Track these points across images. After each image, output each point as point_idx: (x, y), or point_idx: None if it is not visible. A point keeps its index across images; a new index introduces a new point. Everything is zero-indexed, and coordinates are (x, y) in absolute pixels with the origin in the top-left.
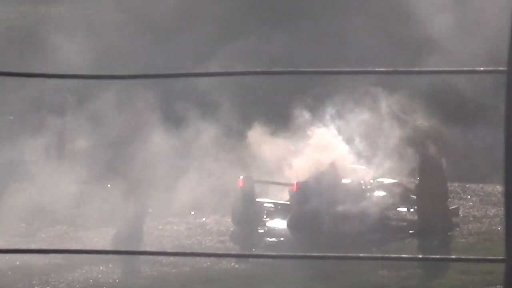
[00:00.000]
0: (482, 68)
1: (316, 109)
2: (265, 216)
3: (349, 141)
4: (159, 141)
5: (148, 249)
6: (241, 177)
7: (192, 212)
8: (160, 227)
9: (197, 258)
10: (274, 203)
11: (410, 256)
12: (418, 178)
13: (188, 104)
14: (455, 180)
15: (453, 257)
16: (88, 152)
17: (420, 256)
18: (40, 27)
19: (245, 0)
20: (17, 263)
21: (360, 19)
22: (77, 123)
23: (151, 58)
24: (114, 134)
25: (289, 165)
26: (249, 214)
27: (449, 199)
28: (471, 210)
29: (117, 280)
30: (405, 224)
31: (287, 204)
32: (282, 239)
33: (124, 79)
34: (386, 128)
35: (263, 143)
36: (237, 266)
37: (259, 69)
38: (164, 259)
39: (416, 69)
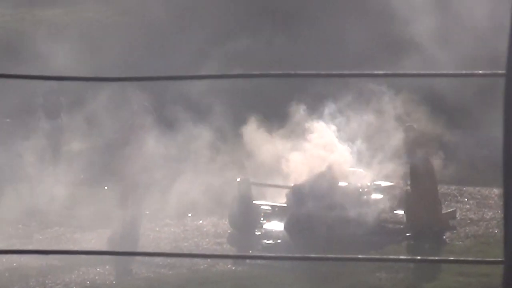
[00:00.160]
0: (481, 71)
1: (315, 108)
2: (262, 219)
3: (347, 141)
4: (155, 143)
5: (145, 251)
6: (238, 179)
7: (189, 214)
8: (157, 229)
9: (194, 260)
10: (271, 205)
11: (409, 257)
12: (408, 182)
13: (184, 106)
14: (452, 183)
15: (452, 258)
16: (85, 154)
17: (419, 257)
18: (35, 30)
19: (242, 2)
20: (14, 264)
21: (355, 21)
22: (74, 125)
23: (148, 61)
24: (110, 136)
25: (287, 166)
26: (246, 216)
27: (441, 203)
28: (468, 213)
29: (114, 282)
30: (402, 227)
31: (284, 206)
32: (279, 241)
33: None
34: (385, 130)
35: (261, 143)
36: (234, 268)
37: (257, 72)
38: (161, 260)
39: (414, 72)
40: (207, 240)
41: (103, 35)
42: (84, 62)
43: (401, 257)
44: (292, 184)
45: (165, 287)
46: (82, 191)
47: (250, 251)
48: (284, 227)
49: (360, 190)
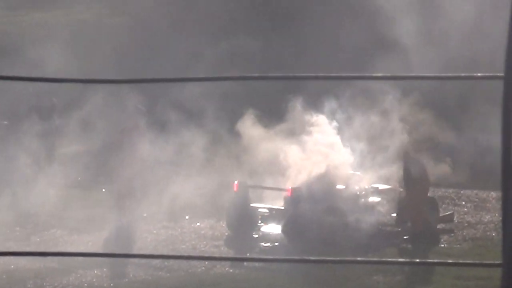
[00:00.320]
0: (479, 74)
1: (313, 106)
2: (259, 221)
3: (346, 143)
4: (151, 146)
5: (142, 253)
6: (236, 182)
7: (187, 217)
8: (155, 231)
9: (192, 263)
10: (268, 208)
11: (407, 260)
12: (401, 185)
13: (179, 107)
14: (450, 186)
15: (450, 261)
16: (82, 156)
17: (417, 260)
18: (32, 32)
19: (239, 2)
20: (11, 266)
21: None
22: (71, 127)
23: (145, 62)
24: (106, 139)
25: (285, 163)
26: (243, 219)
27: (435, 206)
28: (465, 216)
29: (111, 284)
30: (399, 229)
31: (281, 209)
32: (276, 244)
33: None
34: (384, 131)
35: (259, 145)
36: (231, 270)
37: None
38: (158, 263)
39: (413, 74)
40: (204, 242)
41: (99, 37)
42: (80, 63)
43: (400, 259)
44: (290, 187)
45: None
46: (79, 194)
47: (248, 254)
48: (282, 230)
49: (358, 193)
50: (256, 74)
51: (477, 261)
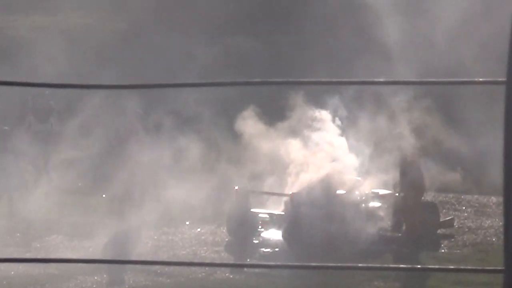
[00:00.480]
0: (481, 79)
1: (317, 104)
2: (260, 227)
3: (349, 142)
4: (152, 150)
5: (142, 259)
6: (236, 187)
7: (187, 223)
8: (155, 237)
9: (192, 268)
10: (269, 214)
11: (408, 266)
12: (396, 190)
13: (179, 110)
14: (450, 191)
15: (452, 267)
16: (82, 162)
17: (418, 266)
18: (31, 36)
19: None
20: (12, 273)
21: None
22: (70, 132)
23: (145, 66)
24: (107, 144)
25: (287, 163)
26: (244, 224)
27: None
28: (466, 221)
29: None
30: (400, 235)
31: (282, 214)
32: (277, 249)
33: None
34: (385, 136)
35: (260, 142)
36: (231, 276)
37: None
38: (159, 269)
39: (413, 80)
40: (205, 248)
41: (98, 41)
42: (79, 68)
43: (400, 265)
44: (290, 193)
45: None
46: (79, 199)
47: (248, 260)
48: (282, 236)
49: (358, 198)
50: (259, 79)
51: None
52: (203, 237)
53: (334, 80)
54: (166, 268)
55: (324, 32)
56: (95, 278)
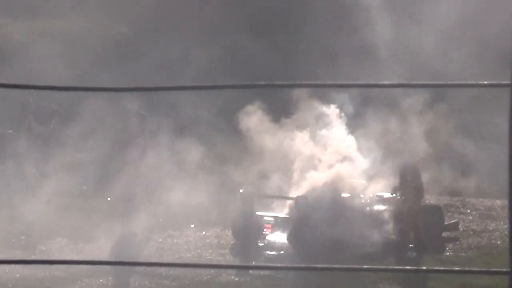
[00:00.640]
0: (485, 82)
1: (323, 100)
2: (265, 230)
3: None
4: (158, 154)
5: (147, 261)
6: (241, 190)
7: (192, 225)
8: (160, 240)
9: (197, 271)
10: (274, 217)
11: (413, 268)
12: (394, 192)
13: (184, 113)
14: (455, 194)
15: (457, 269)
16: (87, 165)
17: (423, 268)
18: (36, 40)
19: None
20: (17, 275)
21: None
22: (75, 135)
23: (143, 68)
24: (111, 146)
25: (292, 158)
26: (249, 227)
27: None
28: (471, 224)
29: None
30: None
31: (287, 217)
32: (282, 252)
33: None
34: (389, 139)
35: (265, 137)
36: (237, 279)
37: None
38: (164, 271)
39: (419, 82)
40: (210, 251)
41: (99, 44)
42: (80, 71)
43: (405, 267)
44: (295, 196)
45: None
46: (84, 202)
47: (253, 262)
48: (287, 238)
49: (363, 201)
50: (263, 82)
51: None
52: (208, 240)
53: (338, 83)
54: (171, 271)
55: (325, 32)
56: (100, 280)
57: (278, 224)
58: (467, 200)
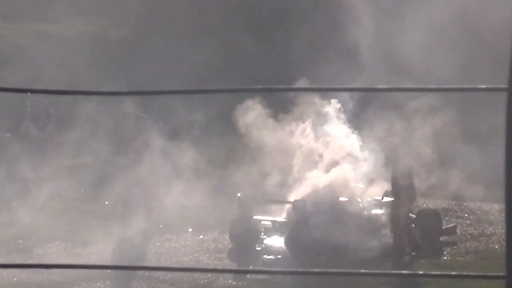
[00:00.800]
0: (483, 86)
1: (323, 96)
2: (262, 234)
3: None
4: (155, 157)
5: (145, 265)
6: (239, 194)
7: (190, 229)
8: (158, 244)
9: (195, 275)
10: (271, 221)
11: (411, 272)
12: (386, 196)
13: (184, 118)
14: (452, 198)
15: (454, 273)
16: (85, 169)
17: (421, 272)
18: (35, 44)
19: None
20: (15, 279)
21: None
22: (73, 139)
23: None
24: (110, 150)
25: (293, 163)
26: (246, 231)
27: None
28: (468, 228)
29: None
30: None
31: (284, 221)
32: (279, 256)
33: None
34: (385, 143)
35: (264, 133)
36: (234, 283)
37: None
38: (161, 275)
39: (415, 86)
40: (207, 255)
41: (100, 48)
42: (80, 75)
43: (403, 271)
44: (293, 199)
45: None
46: (82, 206)
47: (251, 266)
48: (285, 243)
49: (361, 205)
50: (260, 86)
51: (480, 273)
52: (205, 244)
53: (338, 86)
54: (169, 275)
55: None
56: (98, 284)
57: (276, 228)
58: (464, 204)
